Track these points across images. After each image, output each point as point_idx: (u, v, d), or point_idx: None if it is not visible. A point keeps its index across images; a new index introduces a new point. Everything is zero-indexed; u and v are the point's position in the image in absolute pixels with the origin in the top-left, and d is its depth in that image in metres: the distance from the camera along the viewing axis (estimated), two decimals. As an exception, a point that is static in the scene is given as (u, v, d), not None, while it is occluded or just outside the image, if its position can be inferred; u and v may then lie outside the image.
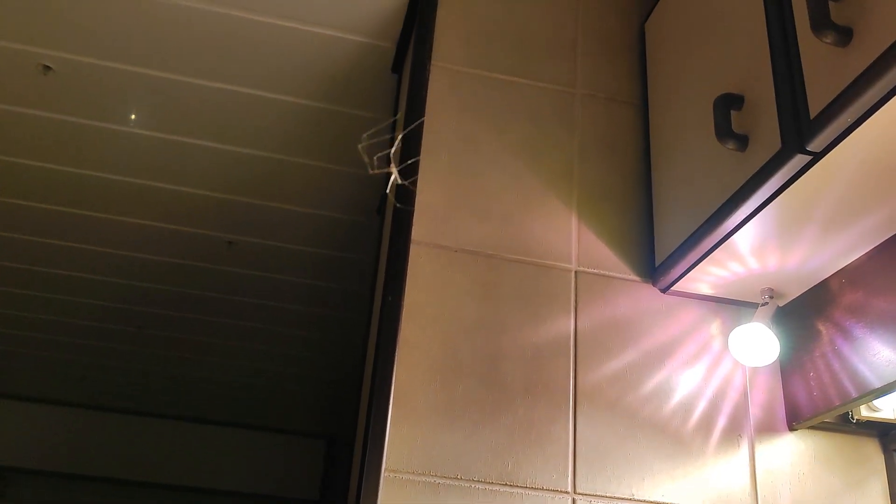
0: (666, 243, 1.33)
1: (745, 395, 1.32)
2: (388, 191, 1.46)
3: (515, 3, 1.60)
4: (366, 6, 1.67)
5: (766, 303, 1.30)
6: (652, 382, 1.30)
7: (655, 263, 1.36)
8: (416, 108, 1.43)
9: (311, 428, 4.16)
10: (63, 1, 1.71)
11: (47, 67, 1.90)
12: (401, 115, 1.56)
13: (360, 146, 1.78)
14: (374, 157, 1.58)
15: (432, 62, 1.49)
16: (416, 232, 1.34)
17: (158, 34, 1.79)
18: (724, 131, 1.11)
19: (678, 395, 1.30)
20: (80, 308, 3.09)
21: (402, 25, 1.69)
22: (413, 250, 1.32)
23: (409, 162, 1.38)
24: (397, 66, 1.81)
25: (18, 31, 1.81)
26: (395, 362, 1.22)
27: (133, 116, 2.01)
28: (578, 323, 1.33)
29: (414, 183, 1.37)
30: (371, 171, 1.30)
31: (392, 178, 1.31)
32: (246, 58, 1.86)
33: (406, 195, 1.35)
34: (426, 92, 1.46)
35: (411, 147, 1.40)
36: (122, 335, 3.30)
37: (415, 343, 1.25)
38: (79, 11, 1.74)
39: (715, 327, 1.36)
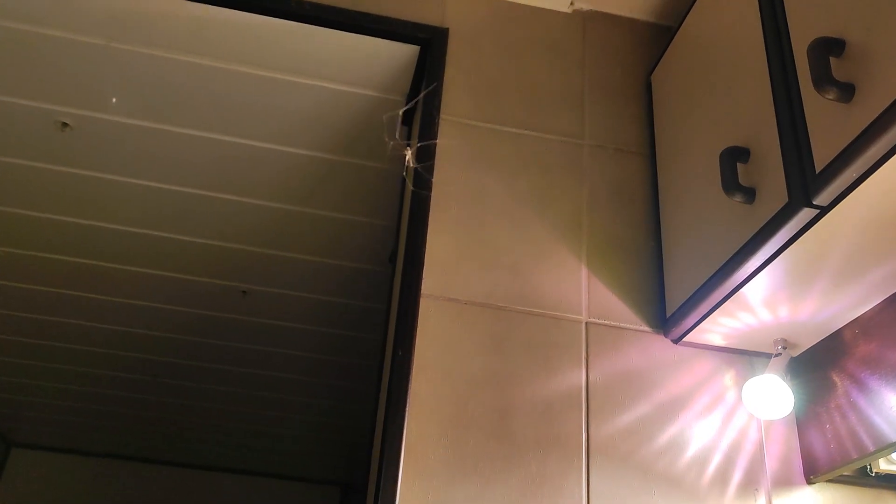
0: (676, 294, 1.32)
1: (760, 447, 1.30)
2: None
3: (523, 56, 1.62)
4: (376, 61, 1.69)
5: (780, 353, 1.29)
6: (666, 435, 1.28)
7: (666, 314, 1.35)
8: (426, 162, 1.45)
9: (325, 475, 4.12)
10: (79, 60, 1.75)
11: (64, 124, 1.93)
12: (410, 170, 1.57)
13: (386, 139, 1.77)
14: (393, 139, 1.57)
15: (441, 115, 1.51)
16: (426, 285, 1.34)
17: (173, 91, 1.82)
18: (731, 184, 1.11)
19: (693, 448, 1.28)
20: (95, 357, 3.10)
21: (411, 79, 1.72)
22: (423, 304, 1.32)
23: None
24: (408, 119, 1.83)
25: (36, 90, 1.85)
26: (406, 417, 1.21)
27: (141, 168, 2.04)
28: (590, 375, 1.32)
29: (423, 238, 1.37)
30: (391, 144, 1.28)
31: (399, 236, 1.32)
32: (259, 113, 1.89)
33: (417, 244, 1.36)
34: (435, 145, 1.47)
35: (421, 200, 1.41)
36: (137, 384, 3.30)
37: (425, 397, 1.24)
38: (95, 70, 1.78)
39: (728, 378, 1.35)
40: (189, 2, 1.57)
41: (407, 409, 1.22)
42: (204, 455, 4.02)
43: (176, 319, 2.79)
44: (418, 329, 1.29)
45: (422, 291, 1.33)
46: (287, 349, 2.94)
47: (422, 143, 1.48)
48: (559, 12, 1.70)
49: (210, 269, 2.51)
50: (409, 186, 1.41)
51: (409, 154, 1.29)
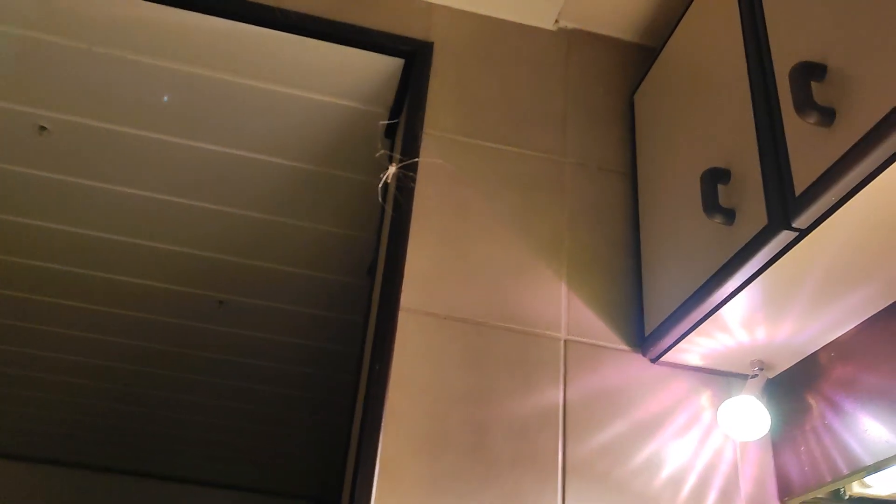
0: (655, 313, 1.33)
1: (735, 468, 1.30)
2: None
3: (507, 73, 1.63)
4: (360, 73, 1.69)
5: (756, 375, 1.29)
6: (642, 455, 1.28)
7: (645, 333, 1.35)
8: (408, 175, 1.44)
9: (298, 489, 4.08)
10: (59, 63, 1.74)
11: (43, 128, 1.91)
12: (392, 181, 1.56)
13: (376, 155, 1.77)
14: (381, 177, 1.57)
15: (424, 130, 1.51)
16: (405, 299, 1.33)
17: (153, 97, 1.81)
18: (711, 205, 1.12)
19: (668, 468, 1.27)
20: (66, 365, 3.05)
21: (395, 92, 1.71)
22: (401, 317, 1.31)
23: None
24: (390, 131, 1.83)
25: (15, 92, 1.83)
26: (382, 432, 1.20)
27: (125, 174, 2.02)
28: (567, 393, 1.31)
29: (404, 243, 1.37)
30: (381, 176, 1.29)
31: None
32: (241, 121, 1.87)
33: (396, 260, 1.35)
34: (417, 159, 1.47)
35: (402, 213, 1.40)
36: (109, 393, 3.25)
37: (401, 412, 1.23)
38: (75, 74, 1.76)
39: (705, 399, 1.35)
40: (173, 8, 1.56)
41: (383, 423, 1.21)
42: (176, 467, 3.97)
43: (150, 328, 2.75)
44: (396, 343, 1.28)
45: (401, 305, 1.32)
46: (263, 361, 2.91)
47: (404, 157, 1.47)
48: (544, 30, 1.71)
49: (186, 279, 2.49)
50: (390, 200, 1.40)
51: (391, 169, 1.29)
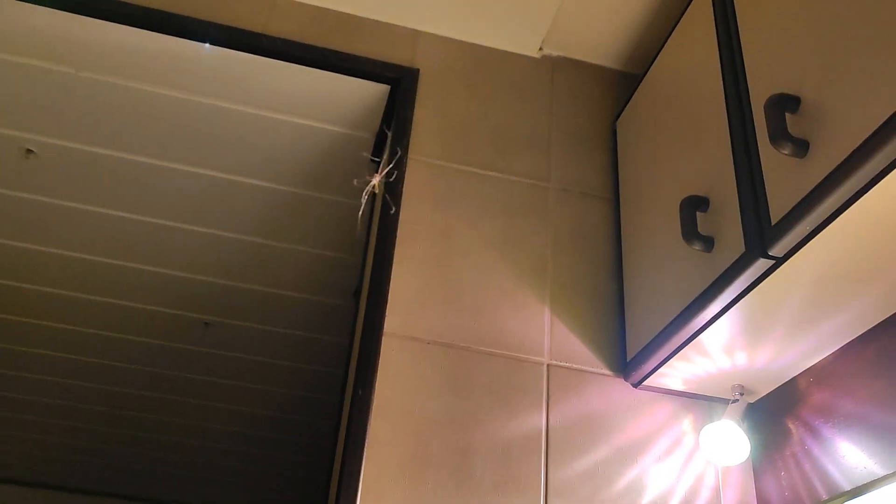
0: (637, 338, 1.34)
1: (717, 493, 1.30)
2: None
3: (491, 99, 1.64)
4: (346, 99, 1.70)
5: (737, 399, 1.30)
6: (624, 480, 1.28)
7: (627, 358, 1.36)
8: (393, 199, 1.45)
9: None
10: (46, 87, 1.74)
11: (30, 151, 1.91)
12: (378, 205, 1.57)
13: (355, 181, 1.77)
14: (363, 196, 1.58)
15: (409, 155, 1.52)
16: (389, 323, 1.33)
17: (140, 121, 1.82)
18: (690, 233, 1.13)
19: (651, 493, 1.28)
20: (52, 387, 3.03)
21: (381, 117, 1.73)
22: (385, 342, 1.31)
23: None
24: (376, 155, 1.84)
25: (2, 116, 1.83)
26: (364, 456, 1.20)
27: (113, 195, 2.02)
28: (550, 418, 1.31)
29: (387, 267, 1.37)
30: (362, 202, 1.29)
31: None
32: (228, 145, 1.88)
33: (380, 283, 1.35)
34: (402, 184, 1.48)
35: (387, 239, 1.41)
36: (95, 415, 3.23)
37: (384, 438, 1.23)
38: (62, 98, 1.77)
39: (687, 423, 1.36)
40: (160, 34, 1.57)
41: (365, 448, 1.21)
42: (163, 489, 3.93)
43: (136, 350, 2.74)
44: (380, 367, 1.28)
45: (384, 329, 1.32)
46: (248, 382, 2.90)
47: (389, 182, 1.48)
48: (528, 57, 1.73)
49: (172, 301, 2.48)
50: (377, 213, 1.41)
51: (376, 179, 1.30)
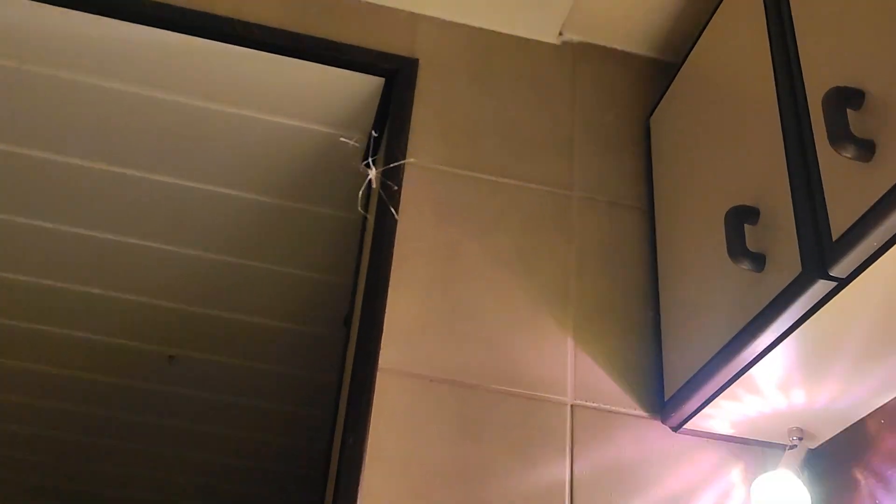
0: (676, 373, 1.34)
1: (773, 556, 1.30)
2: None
3: (503, 93, 1.66)
4: (334, 95, 1.72)
5: (795, 445, 1.30)
6: (662, 540, 1.29)
7: (665, 397, 1.37)
8: (388, 211, 1.46)
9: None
10: (-6, 86, 1.76)
11: (-37, 157, 1.93)
12: (371, 219, 1.59)
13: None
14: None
15: (407, 159, 1.53)
16: (385, 357, 1.34)
17: (93, 121, 1.83)
18: (737, 249, 1.14)
19: (694, 556, 1.28)
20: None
21: (374, 116, 1.74)
22: (380, 379, 1.32)
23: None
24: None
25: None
26: (356, 517, 1.20)
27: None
28: (575, 467, 1.32)
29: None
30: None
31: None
32: (198, 149, 1.90)
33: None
34: (399, 193, 1.49)
35: (382, 257, 1.42)
36: (37, 467, 3.23)
37: (379, 493, 1.23)
38: (12, 97, 1.78)
39: (736, 474, 1.36)
40: (117, 21, 1.59)
41: (358, 504, 1.21)
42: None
43: (87, 389, 2.74)
44: (374, 410, 1.29)
45: (379, 364, 1.33)
46: (219, 427, 2.90)
47: (384, 191, 1.49)
48: (546, 44, 1.75)
49: (131, 330, 2.49)
50: (369, 235, 1.42)
51: (372, 174, 1.30)
